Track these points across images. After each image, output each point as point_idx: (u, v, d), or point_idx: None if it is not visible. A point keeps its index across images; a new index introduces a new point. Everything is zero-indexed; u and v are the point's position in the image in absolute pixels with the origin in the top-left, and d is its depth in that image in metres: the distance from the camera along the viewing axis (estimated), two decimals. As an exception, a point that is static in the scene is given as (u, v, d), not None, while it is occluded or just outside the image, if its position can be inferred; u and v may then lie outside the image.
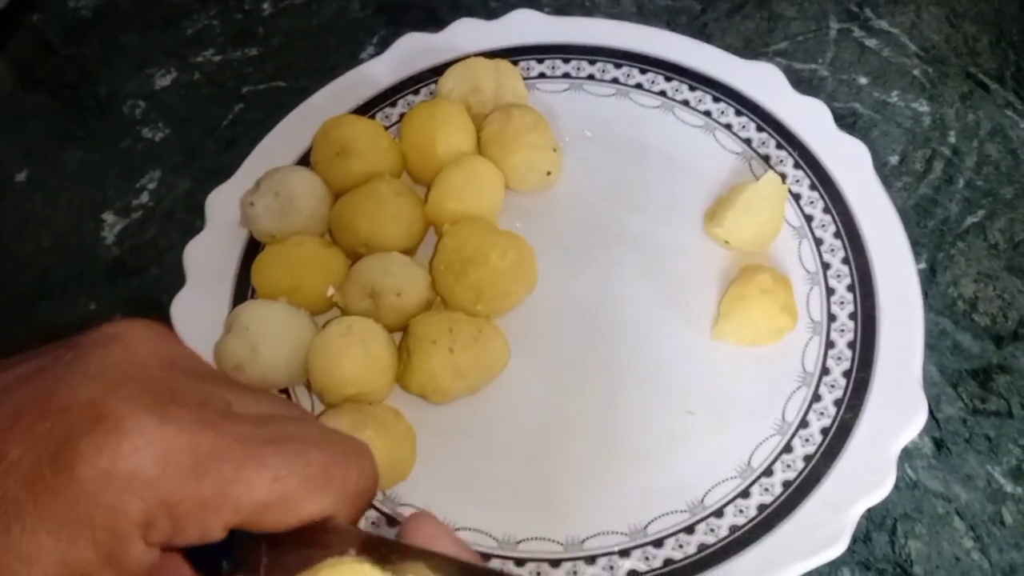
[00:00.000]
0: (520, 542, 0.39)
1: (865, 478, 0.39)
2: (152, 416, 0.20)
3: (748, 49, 0.57)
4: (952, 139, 0.52)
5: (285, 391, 0.43)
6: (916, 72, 0.55)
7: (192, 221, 0.50)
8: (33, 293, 0.49)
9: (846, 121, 0.53)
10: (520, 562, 0.39)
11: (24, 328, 0.48)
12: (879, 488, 0.38)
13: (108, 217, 0.52)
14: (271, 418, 0.22)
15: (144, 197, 0.53)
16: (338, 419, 0.40)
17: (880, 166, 0.51)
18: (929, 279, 0.47)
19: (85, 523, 0.19)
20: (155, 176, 0.53)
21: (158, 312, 0.46)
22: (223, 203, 0.49)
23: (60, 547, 0.18)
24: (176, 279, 0.47)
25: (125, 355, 0.21)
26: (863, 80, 0.55)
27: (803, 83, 0.55)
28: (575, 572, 0.38)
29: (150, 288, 0.49)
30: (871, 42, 0.57)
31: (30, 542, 0.18)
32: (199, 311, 0.45)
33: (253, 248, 0.47)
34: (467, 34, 0.55)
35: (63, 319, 0.48)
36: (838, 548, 0.37)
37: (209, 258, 0.47)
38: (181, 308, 0.45)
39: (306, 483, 0.21)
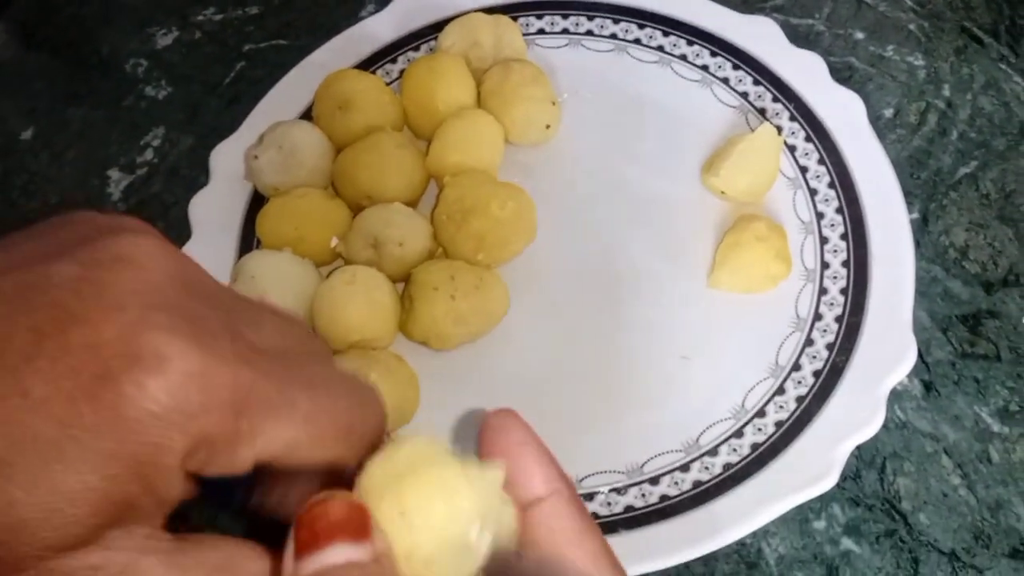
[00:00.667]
0: (521, 481, 0.40)
1: (855, 417, 0.40)
2: (192, 350, 0.19)
3: (746, 4, 0.57)
4: (946, 92, 0.53)
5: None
6: (912, 27, 0.56)
7: (196, 177, 0.51)
8: (42, 247, 0.50)
9: (842, 75, 0.54)
10: (521, 500, 0.40)
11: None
12: (868, 426, 0.39)
13: (113, 174, 0.53)
14: (296, 355, 0.22)
15: (148, 154, 0.53)
16: (343, 364, 0.41)
17: (875, 118, 0.51)
18: (921, 228, 0.48)
19: (131, 459, 0.19)
20: (159, 133, 0.54)
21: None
22: (227, 158, 0.49)
23: (104, 484, 0.18)
24: (182, 234, 0.48)
25: (141, 280, 0.20)
26: (859, 35, 0.56)
27: (800, 38, 0.55)
28: (574, 509, 0.40)
29: (157, 242, 0.50)
30: (867, -3, 0.57)
31: (74, 481, 0.18)
32: (205, 263, 0.44)
33: (257, 201, 0.48)
34: (467, -10, 0.55)
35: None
36: (828, 482, 0.38)
37: (214, 211, 0.48)
38: (188, 259, 0.46)
39: (333, 427, 0.21)
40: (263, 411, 0.20)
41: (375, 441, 0.23)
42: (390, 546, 0.19)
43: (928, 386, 0.43)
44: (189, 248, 0.46)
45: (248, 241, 0.47)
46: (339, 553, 0.18)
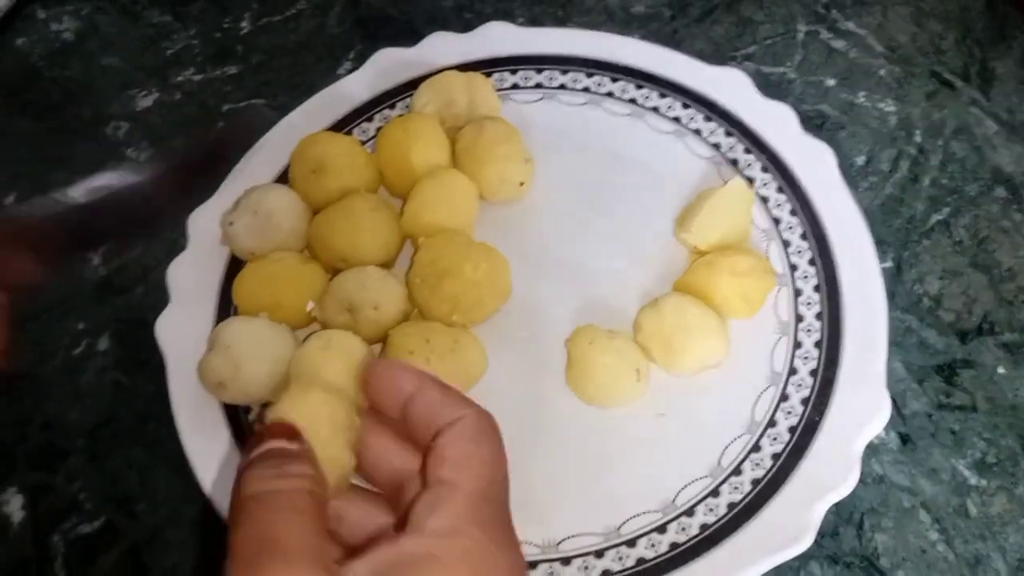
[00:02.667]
0: (498, 546, 0.40)
1: (830, 474, 0.40)
2: None
3: (718, 54, 0.58)
4: (918, 138, 0.53)
5: (266, 405, 0.45)
6: (883, 72, 0.56)
7: (175, 239, 0.51)
8: (23, 314, 0.50)
9: (814, 123, 0.54)
10: (498, 565, 0.40)
11: (15, 348, 0.49)
12: (843, 484, 0.39)
13: (94, 238, 0.53)
14: None
15: (129, 217, 0.54)
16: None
17: (847, 167, 0.52)
18: (895, 277, 0.48)
19: None
20: (139, 196, 0.55)
21: (144, 330, 0.47)
22: (205, 222, 0.50)
23: None
24: (161, 297, 0.48)
25: None
26: (831, 82, 0.56)
27: (772, 86, 0.56)
28: (551, 573, 0.40)
29: (136, 307, 0.50)
30: (838, 43, 0.58)
31: None
32: (183, 330, 0.46)
33: (235, 265, 0.49)
34: (441, 48, 0.56)
35: (52, 339, 0.49)
36: (804, 543, 0.38)
37: (192, 277, 0.48)
38: (165, 327, 0.46)
39: None
40: None
41: None
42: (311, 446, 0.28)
43: (905, 439, 0.43)
44: (167, 315, 0.47)
45: (226, 306, 0.48)
46: (277, 442, 0.28)
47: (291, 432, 0.29)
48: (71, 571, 0.43)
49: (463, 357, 0.44)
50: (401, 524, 0.27)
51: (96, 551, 0.43)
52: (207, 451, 0.43)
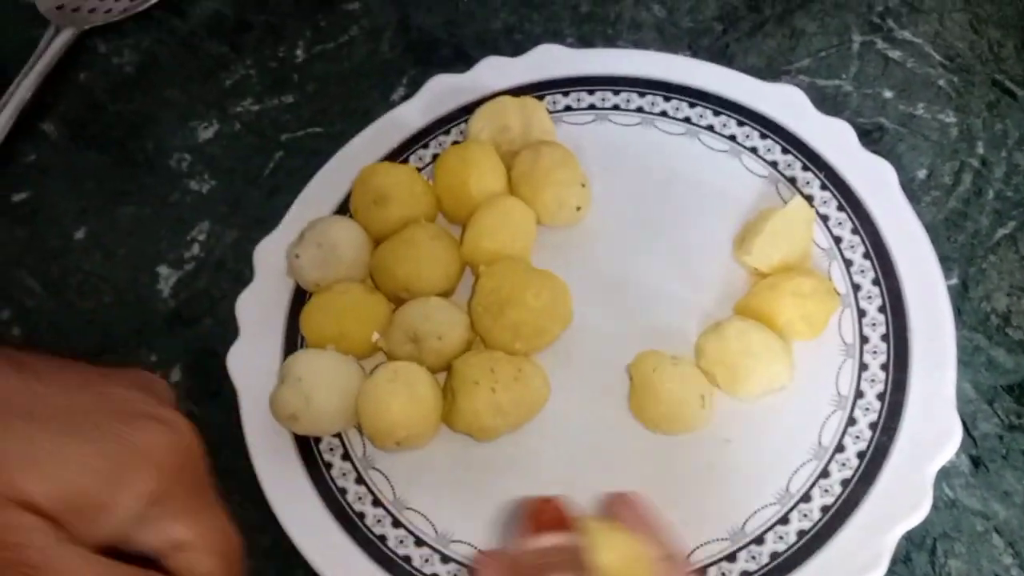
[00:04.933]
0: (568, 574, 0.41)
1: (902, 501, 0.40)
2: None
3: (770, 69, 0.57)
4: (980, 150, 0.53)
5: (338, 435, 0.46)
6: (941, 82, 0.56)
7: (241, 270, 0.53)
8: (98, 348, 0.52)
9: (872, 136, 0.54)
10: (569, 593, 0.40)
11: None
12: (916, 511, 0.39)
13: (163, 270, 0.55)
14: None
15: (195, 249, 0.55)
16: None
17: (908, 181, 0.51)
18: (961, 295, 0.48)
19: None
20: (204, 227, 0.56)
21: (214, 361, 0.48)
22: (270, 253, 0.51)
23: None
24: (230, 328, 0.49)
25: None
26: (888, 93, 0.55)
27: (827, 100, 0.55)
28: (622, 602, 0.40)
29: (206, 338, 0.51)
30: (895, 54, 0.57)
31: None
32: (253, 361, 0.47)
33: (300, 296, 0.50)
34: (493, 72, 0.57)
35: (127, 371, 0.51)
36: (878, 572, 0.38)
37: (259, 309, 0.49)
38: (236, 359, 0.48)
39: None
40: None
41: None
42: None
43: (976, 461, 0.43)
44: (237, 348, 0.48)
45: (293, 336, 0.49)
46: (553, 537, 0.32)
47: (564, 519, 0.33)
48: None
49: (527, 385, 0.44)
50: None
51: (176, 579, 0.45)
52: (281, 480, 0.44)
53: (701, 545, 0.41)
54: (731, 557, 0.40)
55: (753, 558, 0.40)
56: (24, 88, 0.61)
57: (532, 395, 0.45)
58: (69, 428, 0.29)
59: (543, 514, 0.33)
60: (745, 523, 0.41)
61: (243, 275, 0.52)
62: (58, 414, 0.30)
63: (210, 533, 0.32)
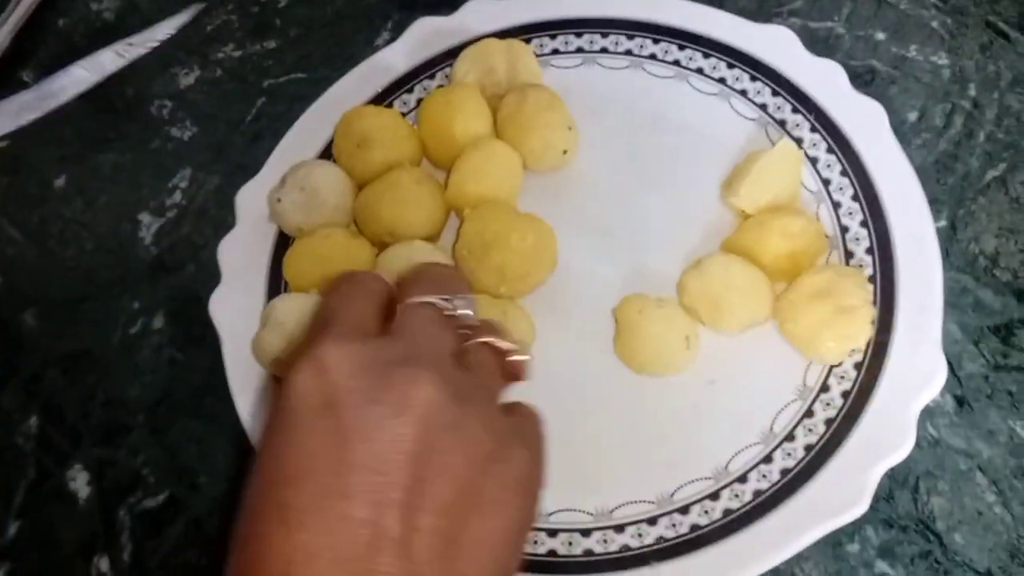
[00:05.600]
0: (552, 514, 0.41)
1: (885, 439, 0.40)
2: None
3: (762, 11, 0.56)
4: (972, 92, 0.52)
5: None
6: (935, 24, 0.55)
7: (224, 216, 0.52)
8: (79, 295, 0.52)
9: (864, 79, 0.53)
10: (552, 532, 0.41)
11: (73, 329, 0.51)
12: (899, 449, 0.39)
13: (144, 217, 0.54)
14: None
15: (177, 196, 0.55)
16: None
17: (899, 124, 0.51)
18: (950, 236, 0.47)
19: None
20: (186, 174, 0.55)
21: (197, 307, 0.48)
22: (252, 199, 0.50)
23: None
24: (213, 274, 0.49)
25: None
26: (880, 35, 0.55)
27: (819, 42, 0.54)
28: (605, 540, 0.40)
29: (188, 285, 0.51)
30: (888, -5, 0.56)
31: None
32: (236, 306, 0.47)
33: (283, 241, 0.49)
34: (479, 15, 0.55)
35: (109, 318, 0.51)
36: (859, 508, 0.38)
37: (242, 254, 0.49)
38: (219, 304, 0.47)
39: None
40: None
41: None
42: None
43: (961, 401, 0.43)
44: (219, 293, 0.47)
45: (276, 282, 0.48)
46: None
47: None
48: (138, 544, 0.44)
49: (512, 328, 0.44)
50: None
51: (161, 524, 0.45)
52: (264, 423, 0.44)
53: (685, 484, 0.41)
54: (714, 495, 0.40)
55: (736, 496, 0.40)
56: (2, 35, 0.60)
57: (518, 338, 0.44)
58: None
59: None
60: (729, 462, 0.41)
61: (226, 221, 0.51)
62: None
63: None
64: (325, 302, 0.32)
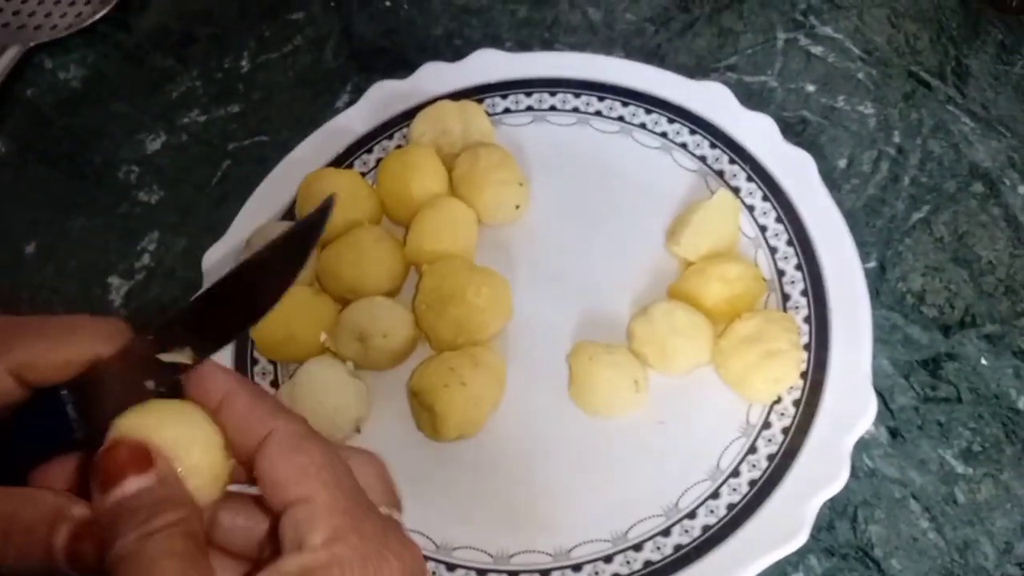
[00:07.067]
0: (513, 556, 0.43)
1: (823, 472, 0.42)
2: None
3: (700, 67, 0.60)
4: (897, 138, 0.55)
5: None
6: (860, 75, 0.58)
7: (191, 277, 0.54)
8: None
9: (796, 129, 0.56)
10: (513, 574, 0.42)
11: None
12: (835, 481, 0.42)
13: (114, 280, 0.56)
14: None
15: (145, 258, 0.56)
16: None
17: (830, 170, 0.54)
18: (880, 276, 0.50)
19: None
20: (154, 237, 0.57)
21: (167, 367, 0.50)
22: (218, 260, 0.52)
23: None
24: (181, 334, 0.50)
25: None
26: (810, 88, 0.58)
27: (754, 95, 0.58)
28: (564, 579, 0.42)
29: (158, 345, 0.53)
30: (817, 49, 0.60)
31: None
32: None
33: (249, 301, 0.51)
34: (434, 77, 0.58)
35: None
36: (800, 539, 0.40)
37: (209, 314, 0.51)
38: (188, 364, 0.49)
39: None
40: None
41: None
42: (172, 468, 0.25)
43: (894, 432, 0.46)
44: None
45: (243, 343, 0.50)
46: (131, 484, 0.25)
47: (143, 456, 0.25)
48: None
49: (488, 366, 0.46)
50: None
51: None
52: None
53: (638, 522, 0.43)
54: (665, 532, 0.42)
55: (686, 531, 0.42)
56: (-30, 106, 0.62)
57: (496, 373, 0.46)
58: None
59: (111, 463, 0.25)
60: (679, 499, 0.43)
61: (194, 282, 0.53)
62: None
63: None
64: None
